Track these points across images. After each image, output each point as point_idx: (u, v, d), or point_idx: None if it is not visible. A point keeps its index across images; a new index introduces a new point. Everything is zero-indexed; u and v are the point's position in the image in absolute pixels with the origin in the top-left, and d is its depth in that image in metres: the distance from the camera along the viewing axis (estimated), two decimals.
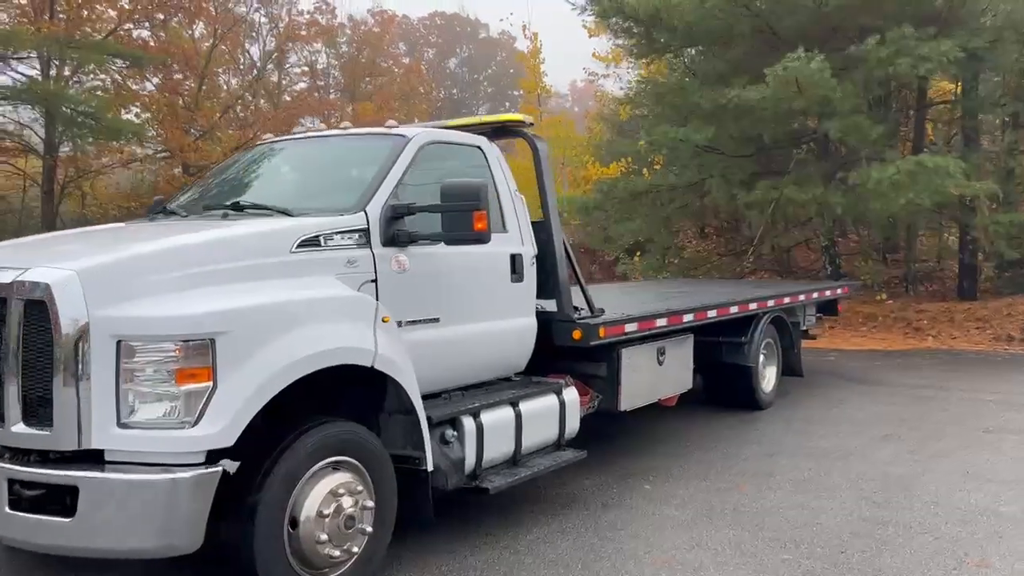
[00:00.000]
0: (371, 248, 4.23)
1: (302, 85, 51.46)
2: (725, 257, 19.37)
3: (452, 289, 4.70)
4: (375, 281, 4.20)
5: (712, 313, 7.00)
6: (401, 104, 52.82)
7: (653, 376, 6.30)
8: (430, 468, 4.22)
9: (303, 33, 51.86)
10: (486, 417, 4.70)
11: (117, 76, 40.19)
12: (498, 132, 5.75)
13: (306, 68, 53.53)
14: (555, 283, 5.50)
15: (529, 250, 5.29)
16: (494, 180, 5.21)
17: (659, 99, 15.33)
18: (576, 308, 5.75)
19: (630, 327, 5.82)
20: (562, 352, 5.79)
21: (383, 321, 4.00)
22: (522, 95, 26.73)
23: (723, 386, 8.29)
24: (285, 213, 4.34)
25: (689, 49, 16.46)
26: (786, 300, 8.45)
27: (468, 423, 4.59)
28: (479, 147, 5.24)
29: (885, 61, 12.68)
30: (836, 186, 13.90)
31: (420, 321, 4.49)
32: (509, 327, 5.16)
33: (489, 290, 5.01)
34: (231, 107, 42.03)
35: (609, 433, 7.24)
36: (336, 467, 3.81)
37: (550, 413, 5.23)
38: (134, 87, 41.11)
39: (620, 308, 6.25)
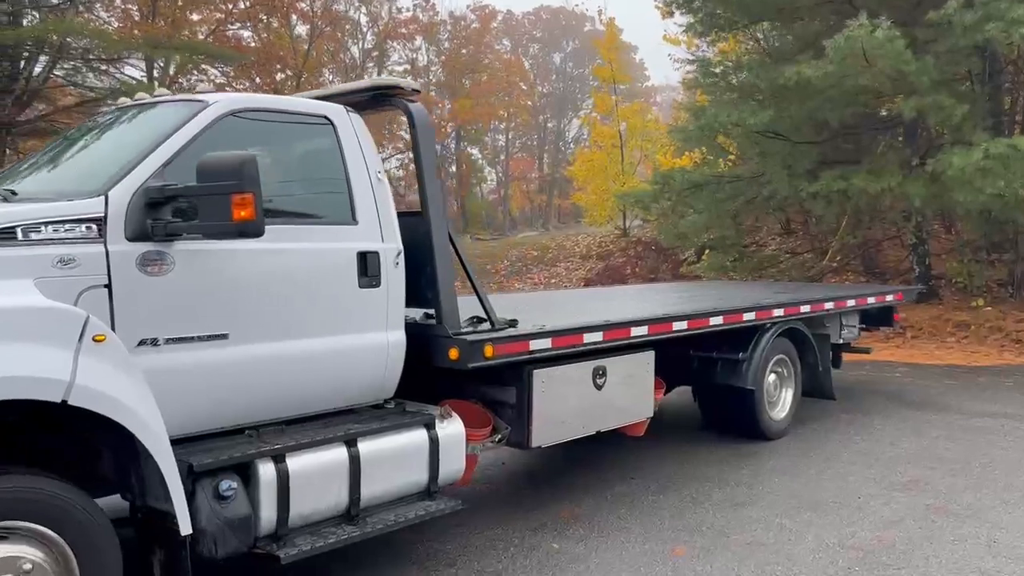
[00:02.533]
0: (105, 244, 3.27)
1: None
2: (805, 255, 17.55)
3: (251, 297, 3.70)
4: (108, 287, 3.26)
5: (681, 325, 5.71)
6: (499, 100, 52.55)
7: (586, 403, 5.10)
8: (185, 531, 3.24)
9: (403, 31, 51.97)
10: (297, 461, 3.68)
11: (220, 77, 41.38)
12: (376, 102, 4.72)
13: (407, 66, 54.01)
14: (434, 288, 4.41)
15: (391, 247, 4.23)
16: (344, 158, 4.19)
17: (717, 81, 13.80)
18: (479, 319, 4.67)
19: (538, 344, 4.65)
20: (472, 374, 4.73)
21: (94, 341, 3.04)
22: (599, 85, 25.42)
23: (719, 411, 6.96)
24: (9, 196, 3.46)
25: (758, 25, 14.84)
26: (803, 309, 7.00)
27: (265, 470, 3.58)
28: (326, 117, 4.21)
29: (972, 28, 10.84)
30: (917, 175, 12.08)
31: (194, 338, 3.51)
32: (357, 344, 4.11)
33: (323, 298, 3.98)
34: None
35: (542, 465, 6.09)
36: (3, 536, 2.88)
37: (412, 453, 4.16)
38: (239, 88, 42.42)
39: (604, 315, 5.24)
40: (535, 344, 4.64)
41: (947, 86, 11.91)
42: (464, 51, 53.98)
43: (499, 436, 4.81)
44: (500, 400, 4.86)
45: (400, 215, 4.47)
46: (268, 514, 3.58)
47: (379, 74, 51.48)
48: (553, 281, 21.64)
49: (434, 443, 4.24)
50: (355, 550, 4.19)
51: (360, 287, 4.10)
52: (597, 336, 5.03)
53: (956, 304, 13.91)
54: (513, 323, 4.78)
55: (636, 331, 5.31)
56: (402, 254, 4.26)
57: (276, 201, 3.87)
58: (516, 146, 63.54)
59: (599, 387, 5.18)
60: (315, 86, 45.27)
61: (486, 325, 4.64)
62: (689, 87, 16.82)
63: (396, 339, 4.26)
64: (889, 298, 8.39)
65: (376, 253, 4.16)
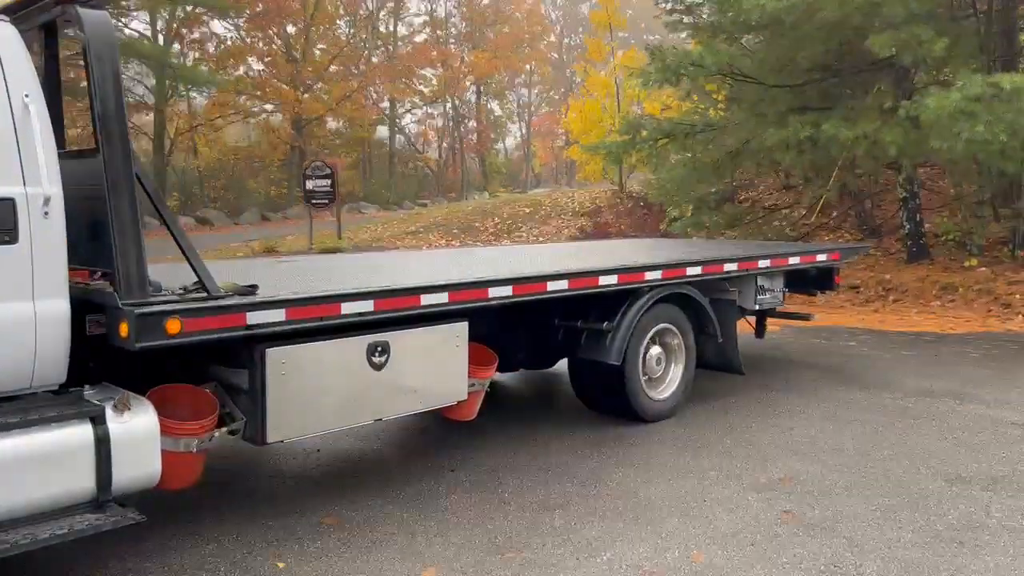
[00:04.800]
0: None
1: (422, 37, 50.68)
2: (801, 211, 16.27)
3: None
4: None
5: (502, 291, 4.72)
6: (521, 52, 50.92)
7: (357, 387, 4.19)
8: None
9: None
10: None
11: (229, 29, 40.58)
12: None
13: (426, 17, 52.63)
14: (108, 244, 3.51)
15: (36, 192, 3.34)
16: None
17: (680, 19, 12.51)
18: (197, 287, 3.77)
19: (262, 316, 3.73)
20: (207, 353, 3.89)
21: None
22: (593, 31, 23.97)
23: (589, 389, 6.01)
24: None
25: None
26: (693, 271, 5.97)
27: None
28: None
29: None
30: (897, 121, 10.79)
31: None
32: None
33: None
34: (336, 57, 41.68)
35: (350, 453, 5.22)
36: None
37: (65, 455, 3.31)
38: (248, 40, 41.53)
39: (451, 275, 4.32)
40: (257, 317, 3.73)
41: (934, 19, 10.56)
42: (485, 0, 52.39)
43: (230, 428, 3.94)
44: (235, 385, 3.98)
45: (77, 154, 3.59)
46: None
47: (395, 27, 50.29)
48: (541, 239, 20.64)
49: (102, 441, 3.38)
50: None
51: None
52: (364, 305, 4.10)
53: (947, 264, 12.65)
54: (249, 290, 3.88)
55: (430, 299, 4.36)
56: (56, 201, 3.36)
57: None
58: (537, 100, 61.95)
59: (377, 367, 4.27)
60: (328, 41, 44.14)
61: (204, 294, 3.75)
62: (672, 30, 15.51)
63: (51, 310, 3.38)
64: (822, 258, 7.28)
65: (10, 200, 3.27)
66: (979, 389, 6.86)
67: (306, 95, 39.44)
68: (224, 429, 3.93)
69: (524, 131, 59.62)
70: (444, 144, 52.11)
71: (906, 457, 5.13)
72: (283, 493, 4.63)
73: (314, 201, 19.92)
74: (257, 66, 40.34)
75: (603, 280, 5.33)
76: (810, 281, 7.76)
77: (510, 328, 5.72)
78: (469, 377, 4.84)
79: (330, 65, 41.26)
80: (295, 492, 4.64)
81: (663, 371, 6.04)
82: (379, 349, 4.27)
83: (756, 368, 7.63)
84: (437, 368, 4.58)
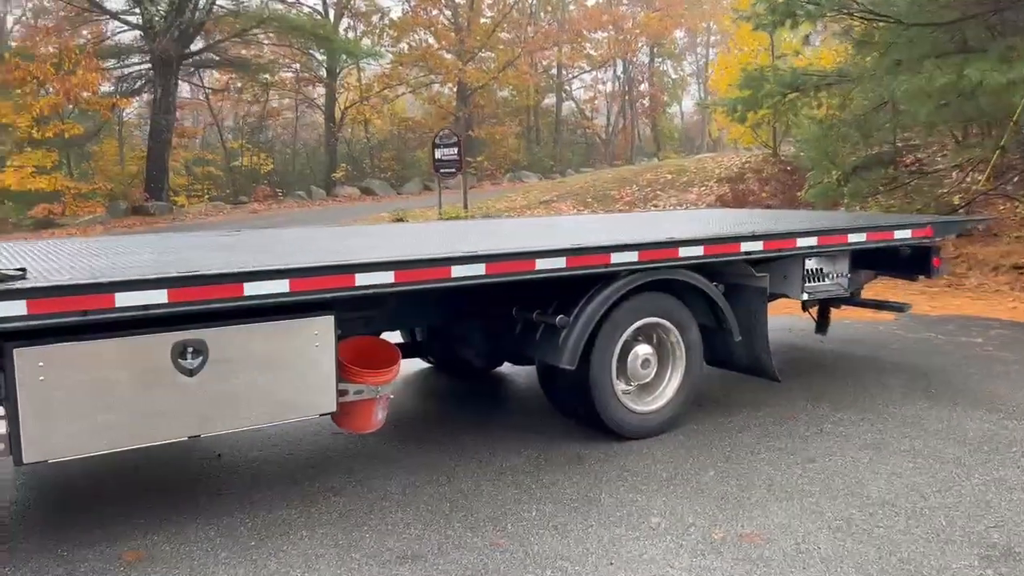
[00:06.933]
0: None
1: (592, 1, 49.10)
2: (972, 176, 13.77)
3: None
4: None
5: (370, 279, 3.72)
6: (691, 8, 48.14)
7: (158, 397, 3.39)
8: None
9: None
10: None
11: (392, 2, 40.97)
12: None
13: None
14: None
15: None
16: None
17: None
18: None
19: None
20: None
21: None
22: None
23: (555, 392, 4.90)
24: None
25: None
26: (689, 251, 4.67)
27: None
28: None
29: None
30: None
31: None
32: None
33: None
34: (500, 24, 41.14)
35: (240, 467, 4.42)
36: None
37: None
38: (415, 12, 41.99)
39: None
40: None
41: None
42: None
43: None
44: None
45: None
46: None
47: None
48: (679, 207, 19.07)
49: None
50: None
51: None
52: (155, 295, 3.27)
53: None
54: (16, 275, 3.17)
55: (255, 288, 3.46)
56: None
57: None
58: (717, 60, 58.47)
59: (190, 371, 3.44)
60: (496, 9, 43.51)
61: None
62: None
63: None
64: (903, 235, 5.66)
65: None
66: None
67: (470, 63, 39.27)
68: None
69: (702, 93, 56.65)
70: (615, 108, 50.45)
71: (957, 513, 3.68)
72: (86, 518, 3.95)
73: (442, 170, 19.48)
74: (422, 35, 40.64)
75: (542, 264, 4.19)
76: (903, 264, 6.12)
77: (452, 320, 4.74)
78: (350, 382, 3.93)
79: (494, 31, 40.80)
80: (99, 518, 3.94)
81: (654, 376, 4.83)
82: (192, 349, 3.44)
83: (821, 370, 6.17)
84: (284, 373, 3.68)
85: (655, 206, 19.60)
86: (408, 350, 6.03)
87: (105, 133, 31.49)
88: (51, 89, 24.71)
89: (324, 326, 3.75)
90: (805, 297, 5.47)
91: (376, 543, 3.51)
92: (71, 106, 26.29)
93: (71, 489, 4.20)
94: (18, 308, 3.05)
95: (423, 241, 5.07)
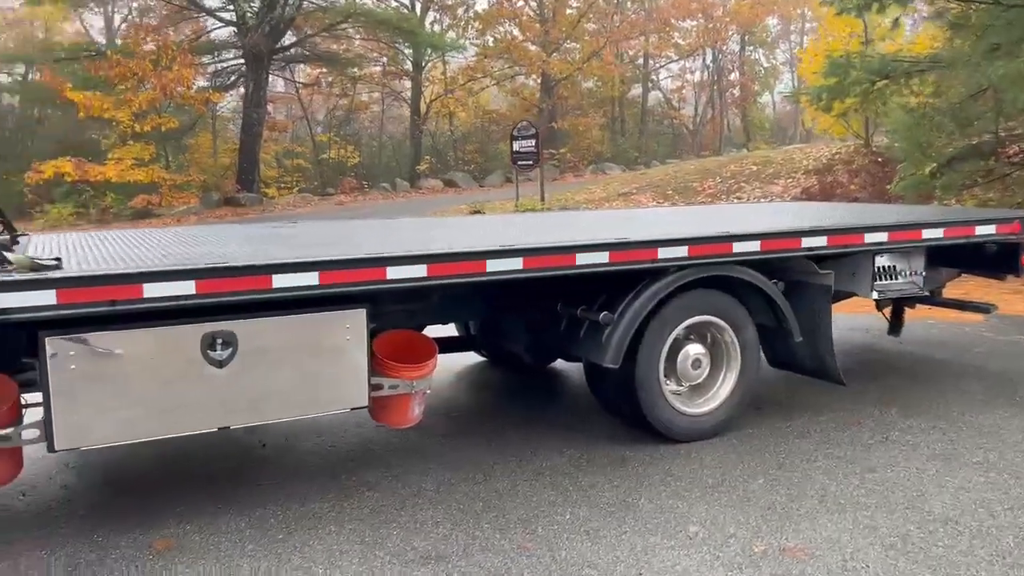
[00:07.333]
0: None
1: None
2: None
3: None
4: None
5: (397, 273, 3.64)
6: None
7: (189, 388, 3.39)
8: None
9: None
10: None
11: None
12: None
13: None
14: None
15: None
16: None
17: None
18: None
19: (21, 299, 3.03)
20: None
21: None
22: None
23: (602, 390, 4.74)
24: None
25: None
26: (742, 247, 4.44)
27: None
28: None
29: None
30: None
31: None
32: None
33: None
34: (585, 14, 40.71)
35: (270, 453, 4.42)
36: None
37: None
38: (500, 4, 41.99)
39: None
40: (9, 300, 3.04)
41: None
42: None
43: (20, 428, 3.33)
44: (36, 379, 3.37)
45: None
46: None
47: None
48: (763, 199, 18.49)
49: None
50: None
51: None
52: (183, 286, 3.28)
53: None
54: (51, 265, 3.23)
55: (284, 280, 3.43)
56: None
57: None
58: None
59: (219, 363, 3.44)
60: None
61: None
62: None
63: None
64: (985, 231, 5.26)
65: None
66: None
67: (554, 54, 39.03)
68: (22, 428, 3.33)
69: (795, 82, 54.90)
70: (703, 98, 49.39)
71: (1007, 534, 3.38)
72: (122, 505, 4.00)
73: (520, 162, 19.41)
74: (507, 27, 40.58)
75: (582, 258, 4.05)
76: (988, 261, 5.71)
77: (498, 315, 4.64)
78: (384, 376, 3.87)
79: (579, 21, 40.42)
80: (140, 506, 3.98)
81: (706, 376, 4.62)
82: (221, 341, 3.44)
83: (895, 373, 5.82)
84: (314, 366, 3.65)
85: (738, 198, 19.06)
86: (462, 344, 5.99)
87: (200, 127, 32.63)
88: (149, 85, 25.71)
89: (356, 319, 3.70)
90: (875, 296, 5.17)
91: (402, 541, 3.45)
92: (168, 101, 27.28)
93: (116, 474, 4.28)
94: (48, 298, 3.09)
95: (466, 233, 4.97)
